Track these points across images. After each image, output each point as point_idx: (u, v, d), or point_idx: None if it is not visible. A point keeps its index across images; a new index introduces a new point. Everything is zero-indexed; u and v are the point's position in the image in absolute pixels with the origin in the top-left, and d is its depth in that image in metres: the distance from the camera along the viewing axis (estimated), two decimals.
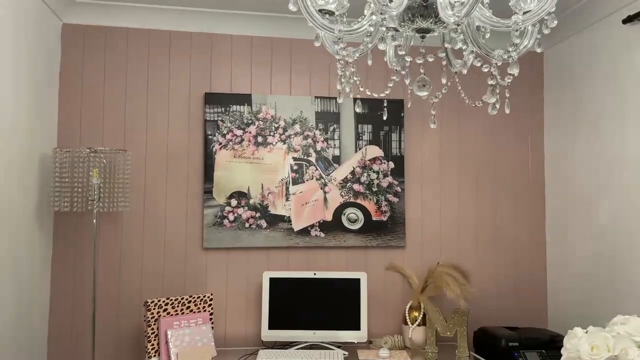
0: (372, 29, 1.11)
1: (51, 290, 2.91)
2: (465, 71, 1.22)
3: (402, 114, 3.23)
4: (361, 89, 1.37)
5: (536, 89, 3.40)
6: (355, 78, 1.31)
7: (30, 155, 2.61)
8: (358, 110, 1.36)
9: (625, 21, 2.56)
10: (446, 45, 1.19)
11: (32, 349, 2.68)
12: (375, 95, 1.44)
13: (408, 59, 1.16)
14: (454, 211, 3.28)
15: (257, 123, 3.11)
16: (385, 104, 1.44)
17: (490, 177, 3.33)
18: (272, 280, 2.95)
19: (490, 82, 1.18)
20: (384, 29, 1.08)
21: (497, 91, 1.18)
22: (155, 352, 2.70)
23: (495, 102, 1.21)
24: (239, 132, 3.10)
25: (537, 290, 3.32)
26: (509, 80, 1.20)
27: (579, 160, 3.03)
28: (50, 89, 2.88)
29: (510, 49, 1.12)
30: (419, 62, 1.15)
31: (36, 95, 2.67)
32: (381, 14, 1.08)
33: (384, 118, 1.43)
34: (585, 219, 2.96)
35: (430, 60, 1.18)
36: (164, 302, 2.74)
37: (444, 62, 1.22)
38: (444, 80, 1.20)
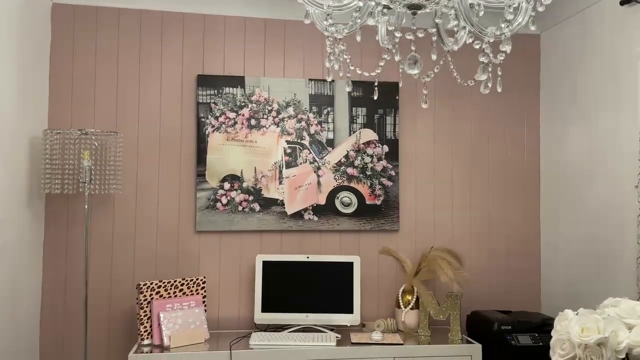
0: (361, 3, 1.08)
1: (43, 274, 2.89)
2: (456, 48, 1.20)
3: (397, 97, 3.19)
4: (351, 68, 1.35)
5: (532, 72, 3.37)
6: (345, 56, 1.29)
7: (20, 137, 2.58)
8: (348, 89, 1.34)
9: (622, 3, 2.53)
10: (437, 21, 1.16)
11: (23, 333, 2.67)
12: (367, 74, 1.41)
13: (398, 34, 1.13)
14: (447, 195, 3.27)
15: (250, 106, 3.08)
16: (376, 84, 1.40)
17: (484, 161, 3.31)
18: (265, 264, 2.94)
19: (482, 59, 1.16)
20: (372, 3, 1.05)
21: (490, 69, 1.16)
22: (148, 334, 2.70)
23: (487, 80, 1.19)
24: (232, 115, 3.07)
25: (530, 274, 3.32)
26: (502, 58, 1.18)
27: (573, 143, 3.01)
28: (40, 69, 2.83)
29: (503, 26, 1.10)
30: (408, 37, 1.12)
31: (25, 76, 2.62)
32: None
33: (375, 98, 1.40)
34: (577, 203, 2.96)
35: (421, 36, 1.16)
36: (156, 284, 2.73)
37: (434, 39, 1.19)
38: (434, 57, 1.18)
